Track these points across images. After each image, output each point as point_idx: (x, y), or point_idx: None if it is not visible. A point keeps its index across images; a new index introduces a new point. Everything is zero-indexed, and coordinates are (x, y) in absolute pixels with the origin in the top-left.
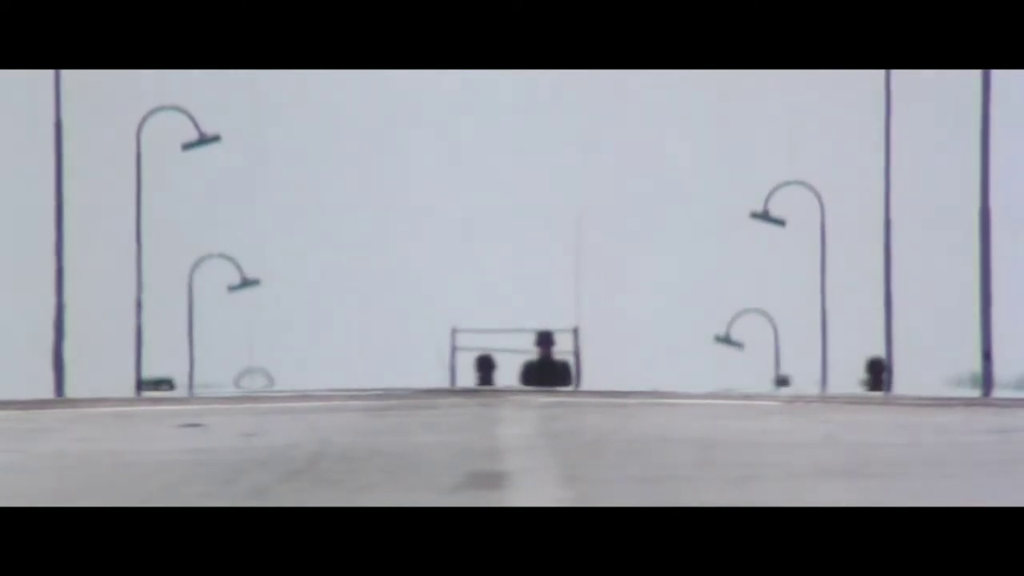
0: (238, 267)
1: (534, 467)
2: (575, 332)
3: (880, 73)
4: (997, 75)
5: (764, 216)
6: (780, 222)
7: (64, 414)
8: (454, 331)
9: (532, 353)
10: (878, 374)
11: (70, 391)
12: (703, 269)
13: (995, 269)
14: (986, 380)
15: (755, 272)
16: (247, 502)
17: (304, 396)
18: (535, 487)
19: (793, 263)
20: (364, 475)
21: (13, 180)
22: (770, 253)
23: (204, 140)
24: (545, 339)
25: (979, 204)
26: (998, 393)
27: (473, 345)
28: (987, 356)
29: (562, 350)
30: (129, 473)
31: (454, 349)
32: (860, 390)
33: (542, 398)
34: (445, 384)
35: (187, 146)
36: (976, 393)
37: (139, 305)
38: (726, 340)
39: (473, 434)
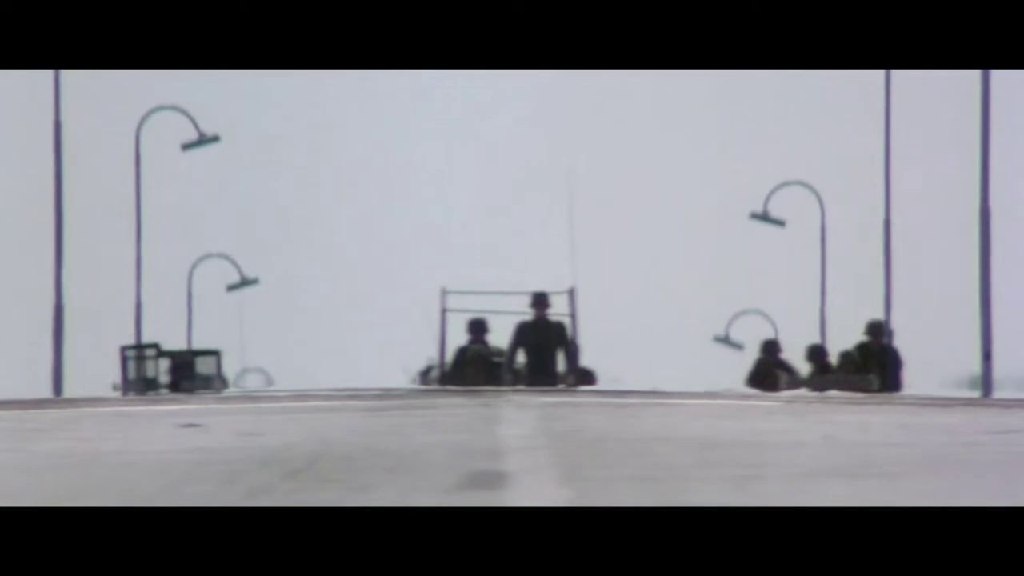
0: (236, 266)
1: (534, 467)
2: (571, 293)
3: (880, 73)
4: (997, 75)
5: (764, 216)
6: (780, 222)
7: (64, 414)
8: (444, 292)
9: (527, 315)
10: (878, 336)
11: (69, 391)
12: (702, 269)
13: (995, 269)
14: (986, 380)
15: (754, 272)
16: (247, 502)
17: (304, 396)
18: (535, 487)
19: (793, 263)
20: (364, 475)
21: (12, 180)
22: (770, 253)
23: (204, 140)
24: (540, 300)
25: (979, 204)
26: (998, 393)
27: (464, 307)
28: (987, 356)
29: (558, 312)
30: (129, 473)
31: (444, 311)
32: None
33: (542, 398)
34: (435, 347)
35: (187, 146)
36: (976, 393)
37: (139, 305)
38: (725, 340)
39: (473, 434)
